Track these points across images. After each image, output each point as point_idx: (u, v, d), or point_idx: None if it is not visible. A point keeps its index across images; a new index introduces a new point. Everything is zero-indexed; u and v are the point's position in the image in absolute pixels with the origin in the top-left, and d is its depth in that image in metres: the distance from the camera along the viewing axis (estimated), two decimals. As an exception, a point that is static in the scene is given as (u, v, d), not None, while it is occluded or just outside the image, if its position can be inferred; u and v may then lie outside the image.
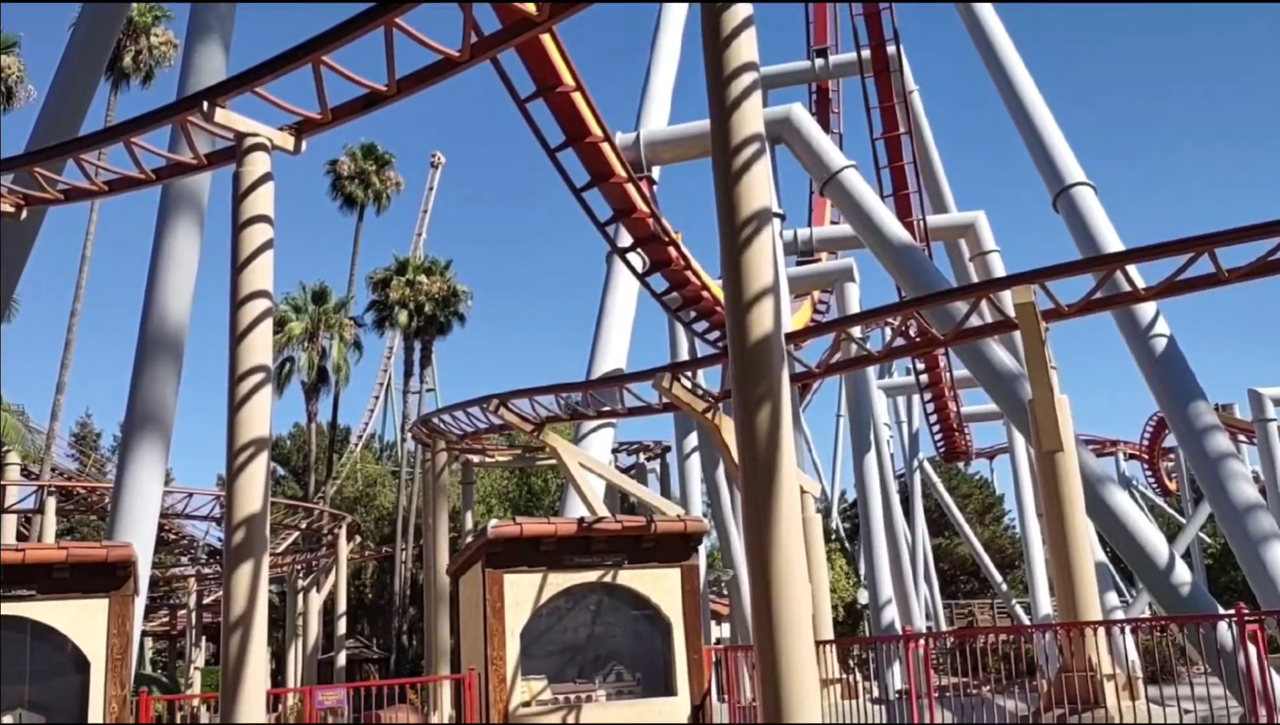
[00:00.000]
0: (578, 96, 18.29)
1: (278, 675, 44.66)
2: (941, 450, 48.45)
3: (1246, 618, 11.13)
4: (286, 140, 12.12)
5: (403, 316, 49.90)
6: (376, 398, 66.64)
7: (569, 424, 27.27)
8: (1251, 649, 11.13)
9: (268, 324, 11.52)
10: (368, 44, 11.24)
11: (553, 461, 24.05)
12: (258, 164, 11.69)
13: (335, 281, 55.92)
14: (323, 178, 53.97)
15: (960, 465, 61.05)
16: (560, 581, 13.26)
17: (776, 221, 25.14)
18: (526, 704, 12.76)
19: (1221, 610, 18.35)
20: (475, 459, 34.02)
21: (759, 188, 7.49)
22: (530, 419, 19.84)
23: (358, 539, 48.98)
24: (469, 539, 21.33)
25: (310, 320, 50.20)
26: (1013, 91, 27.28)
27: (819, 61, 37.15)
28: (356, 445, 63.15)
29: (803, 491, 16.62)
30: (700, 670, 13.30)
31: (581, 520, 13.83)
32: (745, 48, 7.74)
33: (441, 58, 11.47)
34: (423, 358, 53.13)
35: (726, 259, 7.50)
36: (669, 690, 13.18)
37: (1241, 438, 54.82)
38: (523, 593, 13.00)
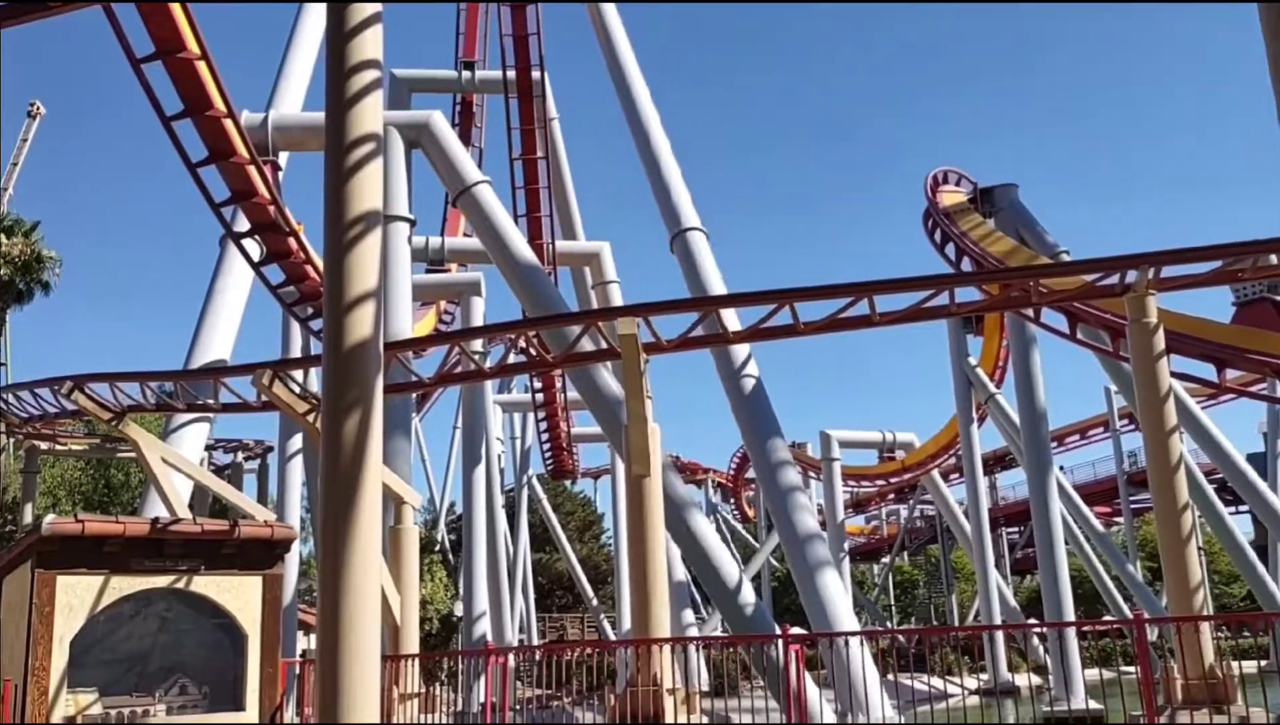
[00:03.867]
0: (202, 66, 17.15)
1: None
2: (550, 468, 49.89)
3: (790, 638, 12.37)
4: None
5: (-29, 279, 43.73)
6: (-69, 368, 57.86)
7: (160, 416, 25.28)
8: (794, 665, 12.37)
9: None
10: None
11: (134, 455, 22.10)
12: None
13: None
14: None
15: (567, 483, 63.17)
16: (125, 585, 12.21)
17: (406, 226, 24.80)
18: (71, 719, 11.57)
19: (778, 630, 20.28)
20: (43, 446, 30.50)
21: (370, 188, 7.31)
22: (110, 407, 18.07)
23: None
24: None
25: None
26: (645, 139, 28.89)
27: (466, 74, 37.26)
28: (-103, 421, 54.45)
29: (403, 502, 16.42)
30: (274, 684, 12.71)
31: (156, 520, 12.85)
32: (370, 44, 7.55)
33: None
34: (-8, 327, 46.87)
35: (329, 258, 7.24)
36: (237, 705, 12.48)
37: (811, 473, 61.30)
38: (78, 597, 11.82)
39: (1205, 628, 12.90)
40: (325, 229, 7.31)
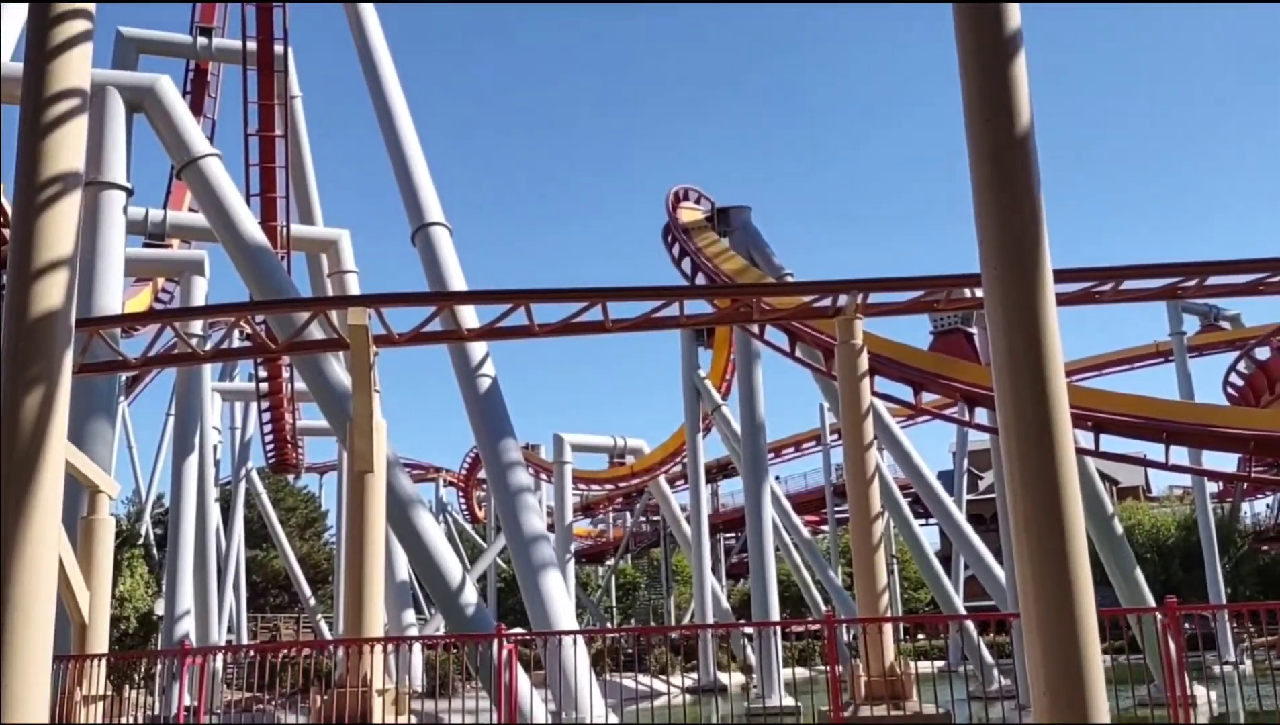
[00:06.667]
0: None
1: None
2: (272, 461, 47.68)
3: (505, 636, 12.45)
4: None
5: None
6: None
7: None
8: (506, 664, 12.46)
9: None
10: None
11: None
12: None
13: None
14: None
15: (290, 478, 60.60)
16: None
17: (122, 195, 23.05)
18: None
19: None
20: None
21: (71, 147, 6.74)
22: None
23: None
24: None
25: None
26: (392, 128, 28.16)
27: (202, 40, 35.16)
28: None
29: (98, 490, 15.27)
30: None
31: None
32: (81, -10, 6.96)
33: None
34: None
35: (18, 220, 6.61)
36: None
37: (543, 476, 61.78)
38: None
39: (887, 628, 14.01)
40: (15, 188, 6.68)
